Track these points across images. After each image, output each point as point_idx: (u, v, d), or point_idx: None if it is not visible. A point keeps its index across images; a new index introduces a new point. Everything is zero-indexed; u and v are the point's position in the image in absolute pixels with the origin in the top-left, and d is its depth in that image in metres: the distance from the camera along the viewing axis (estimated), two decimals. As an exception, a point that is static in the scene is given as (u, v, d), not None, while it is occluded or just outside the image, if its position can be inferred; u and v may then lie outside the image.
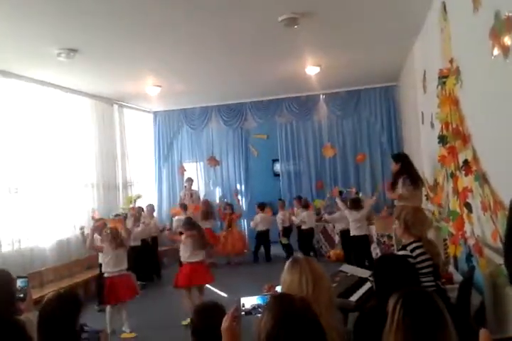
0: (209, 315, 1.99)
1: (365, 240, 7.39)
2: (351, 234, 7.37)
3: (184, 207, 9.16)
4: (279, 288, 2.34)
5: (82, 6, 4.51)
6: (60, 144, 7.71)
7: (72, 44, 5.68)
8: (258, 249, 9.45)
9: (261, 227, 9.39)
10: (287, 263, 2.26)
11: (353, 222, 7.38)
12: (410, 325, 1.81)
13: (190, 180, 10.35)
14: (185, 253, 5.85)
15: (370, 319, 2.37)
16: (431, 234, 4.66)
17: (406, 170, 5.60)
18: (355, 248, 7.35)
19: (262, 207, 9.60)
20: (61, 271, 7.16)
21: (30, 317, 2.71)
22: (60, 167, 7.65)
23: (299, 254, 7.61)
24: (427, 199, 5.66)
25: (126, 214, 7.49)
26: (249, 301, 2.17)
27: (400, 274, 2.51)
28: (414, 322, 1.81)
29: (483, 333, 1.73)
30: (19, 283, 3.11)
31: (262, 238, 9.43)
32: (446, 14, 4.32)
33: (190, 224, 6.03)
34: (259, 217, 9.42)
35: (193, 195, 10.18)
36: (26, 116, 7.05)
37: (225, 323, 1.87)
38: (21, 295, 3.09)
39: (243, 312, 2.04)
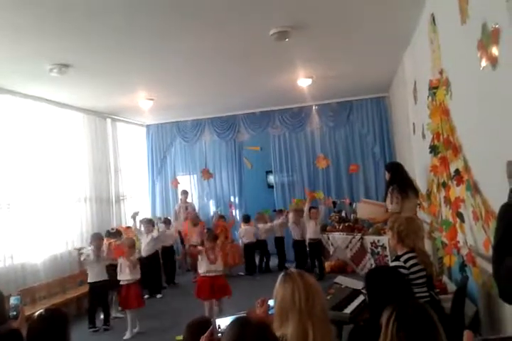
0: (200, 331, 1.98)
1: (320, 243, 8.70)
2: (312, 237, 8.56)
3: (167, 222, 9.18)
4: (271, 302, 2.33)
5: (73, 21, 4.52)
6: (53, 159, 7.67)
7: (64, 59, 5.68)
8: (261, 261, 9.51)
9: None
10: (280, 276, 2.25)
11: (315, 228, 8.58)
12: (404, 338, 1.80)
13: (185, 193, 10.30)
14: (203, 266, 5.87)
15: (364, 331, 2.36)
16: (427, 244, 4.66)
17: (396, 179, 5.56)
18: (313, 250, 8.61)
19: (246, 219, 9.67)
20: (54, 287, 7.08)
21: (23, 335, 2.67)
22: (52, 182, 7.60)
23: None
24: (419, 208, 5.66)
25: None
26: (224, 322, 2.19)
27: (392, 286, 2.51)
28: (408, 336, 1.81)
29: (466, 333, 1.74)
30: (12, 300, 3.08)
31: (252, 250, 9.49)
32: (435, 26, 4.37)
33: (211, 237, 6.08)
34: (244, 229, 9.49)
35: (188, 207, 10.12)
36: (19, 131, 7.02)
37: None
38: (14, 313, 3.05)
39: (219, 334, 2.05)
